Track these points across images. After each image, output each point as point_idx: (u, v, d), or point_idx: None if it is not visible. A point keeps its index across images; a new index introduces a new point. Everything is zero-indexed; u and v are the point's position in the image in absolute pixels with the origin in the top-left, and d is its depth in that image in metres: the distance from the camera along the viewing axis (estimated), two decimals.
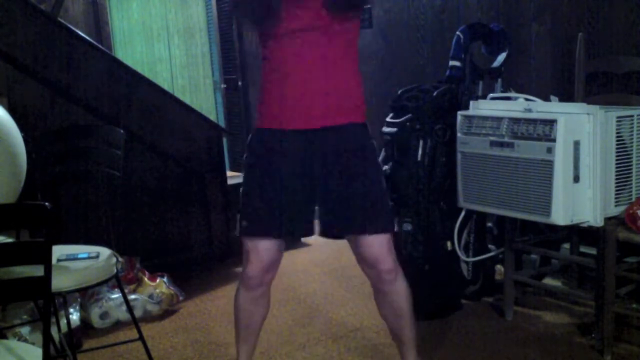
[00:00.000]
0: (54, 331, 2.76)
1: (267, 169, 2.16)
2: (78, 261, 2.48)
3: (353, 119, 2.16)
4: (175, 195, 3.96)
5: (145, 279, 3.39)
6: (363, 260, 2.20)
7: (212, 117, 5.75)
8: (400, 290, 2.22)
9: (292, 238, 2.29)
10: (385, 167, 3.08)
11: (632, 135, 2.60)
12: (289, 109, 2.11)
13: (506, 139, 2.67)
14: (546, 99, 3.04)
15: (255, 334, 2.38)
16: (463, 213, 3.05)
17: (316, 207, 2.17)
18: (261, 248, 2.19)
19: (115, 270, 2.52)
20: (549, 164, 2.51)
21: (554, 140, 2.49)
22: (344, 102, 2.14)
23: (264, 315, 2.37)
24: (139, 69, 4.25)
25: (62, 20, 3.62)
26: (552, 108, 2.66)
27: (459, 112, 2.90)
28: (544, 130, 2.53)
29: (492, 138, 2.73)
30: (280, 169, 2.14)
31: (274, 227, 2.16)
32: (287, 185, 2.14)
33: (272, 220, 2.15)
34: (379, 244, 2.14)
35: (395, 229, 2.23)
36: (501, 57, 3.27)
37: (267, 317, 2.41)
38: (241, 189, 2.23)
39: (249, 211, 2.19)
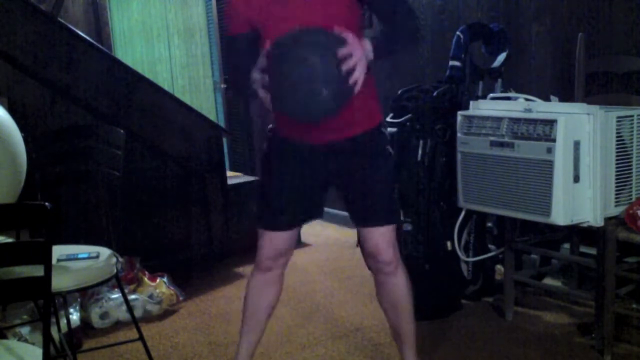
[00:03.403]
0: (54, 331, 2.77)
1: (280, 164, 2.24)
2: (78, 261, 2.48)
3: (366, 126, 2.20)
4: (175, 195, 3.96)
5: (145, 279, 3.39)
6: (366, 251, 2.29)
7: (212, 117, 5.75)
8: (399, 283, 2.29)
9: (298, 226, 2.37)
10: None
11: (632, 135, 2.60)
12: (303, 128, 2.15)
13: (506, 139, 2.67)
14: (546, 99, 3.04)
15: (259, 325, 2.39)
16: (463, 213, 3.05)
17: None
18: (272, 236, 2.28)
19: (115, 270, 2.52)
20: (549, 164, 2.51)
21: (554, 140, 2.49)
22: (357, 114, 2.17)
23: (271, 303, 2.40)
24: (139, 69, 4.25)
25: (62, 20, 3.63)
26: (552, 108, 2.66)
27: (459, 112, 2.89)
28: (544, 130, 2.53)
29: (492, 138, 2.73)
30: (294, 166, 2.22)
31: (281, 221, 2.26)
32: (297, 181, 2.23)
33: (280, 214, 2.25)
34: (378, 236, 2.23)
35: (397, 222, 2.31)
36: (501, 57, 3.27)
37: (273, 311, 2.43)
38: (258, 180, 2.32)
39: (261, 203, 2.31)
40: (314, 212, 2.33)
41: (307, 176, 2.22)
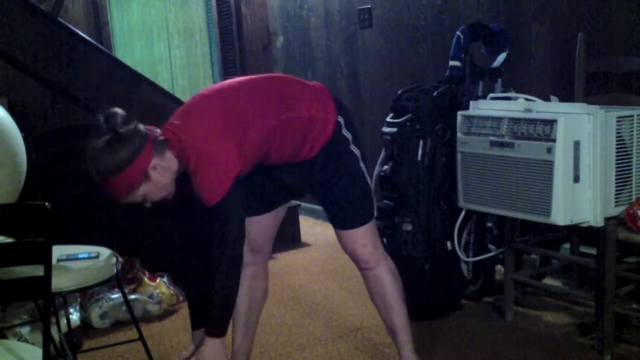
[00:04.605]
0: (54, 331, 2.76)
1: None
2: (78, 261, 2.48)
3: (318, 147, 2.21)
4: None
5: (145, 279, 3.39)
6: (343, 250, 2.36)
7: None
8: (381, 276, 2.33)
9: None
10: (385, 167, 3.08)
11: (632, 135, 2.59)
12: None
13: (506, 139, 2.67)
14: (546, 99, 3.04)
15: (250, 322, 2.42)
16: (463, 213, 3.05)
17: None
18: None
19: (115, 270, 2.52)
20: (549, 164, 2.51)
21: (554, 140, 2.49)
22: (312, 144, 2.21)
23: (257, 301, 2.43)
24: (139, 69, 4.25)
25: (62, 20, 3.63)
26: (552, 108, 2.66)
27: (459, 112, 2.89)
28: (544, 130, 2.53)
29: (492, 138, 2.73)
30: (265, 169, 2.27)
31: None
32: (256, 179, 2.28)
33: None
34: (351, 237, 2.29)
35: (369, 220, 2.32)
36: (501, 57, 3.26)
37: (264, 311, 2.47)
38: None
39: None
40: (273, 203, 2.39)
41: (266, 178, 2.29)
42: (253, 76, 2.26)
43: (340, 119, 2.23)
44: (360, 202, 2.27)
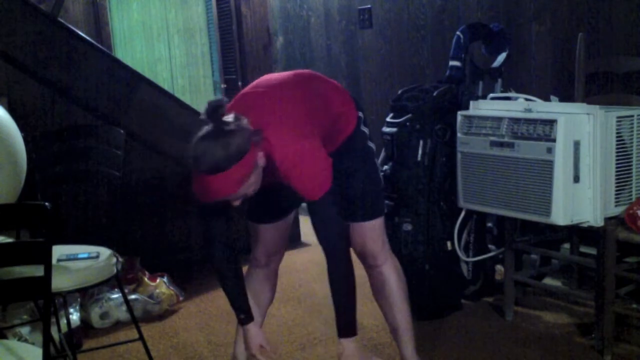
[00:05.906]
0: (54, 331, 2.77)
1: None
2: (78, 261, 2.48)
3: (340, 141, 2.21)
4: (175, 195, 3.96)
5: (145, 279, 3.39)
6: (352, 245, 2.32)
7: None
8: (387, 274, 2.33)
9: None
10: (385, 167, 3.08)
11: (632, 135, 2.60)
12: None
13: (506, 139, 2.67)
14: (546, 99, 3.04)
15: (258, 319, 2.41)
16: (463, 213, 3.05)
17: None
18: (260, 232, 2.36)
19: (115, 270, 2.52)
20: (549, 164, 2.51)
21: (554, 140, 2.49)
22: (335, 139, 2.20)
23: (267, 300, 2.46)
24: (139, 69, 4.25)
25: (62, 20, 3.63)
26: (552, 108, 2.66)
27: (459, 112, 2.90)
28: (544, 130, 2.53)
29: (492, 138, 2.73)
30: None
31: (257, 215, 2.36)
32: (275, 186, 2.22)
33: (258, 210, 2.35)
34: (363, 231, 2.28)
35: (381, 215, 2.33)
36: (501, 57, 3.26)
37: (269, 309, 2.51)
38: None
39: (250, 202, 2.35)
40: (289, 209, 2.42)
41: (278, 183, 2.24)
42: (293, 72, 2.21)
43: (361, 115, 2.26)
44: (374, 197, 2.28)
